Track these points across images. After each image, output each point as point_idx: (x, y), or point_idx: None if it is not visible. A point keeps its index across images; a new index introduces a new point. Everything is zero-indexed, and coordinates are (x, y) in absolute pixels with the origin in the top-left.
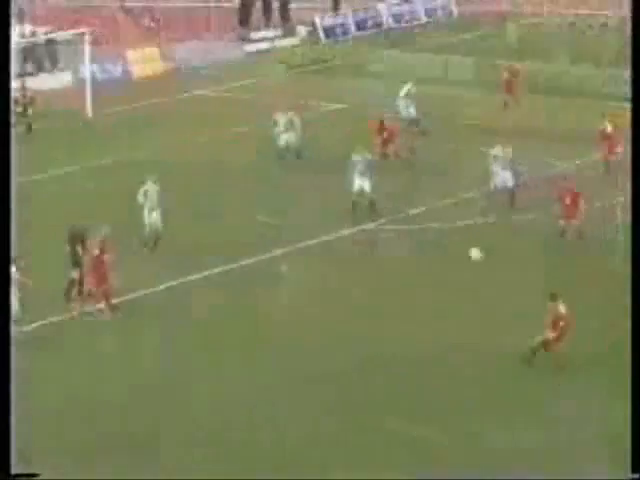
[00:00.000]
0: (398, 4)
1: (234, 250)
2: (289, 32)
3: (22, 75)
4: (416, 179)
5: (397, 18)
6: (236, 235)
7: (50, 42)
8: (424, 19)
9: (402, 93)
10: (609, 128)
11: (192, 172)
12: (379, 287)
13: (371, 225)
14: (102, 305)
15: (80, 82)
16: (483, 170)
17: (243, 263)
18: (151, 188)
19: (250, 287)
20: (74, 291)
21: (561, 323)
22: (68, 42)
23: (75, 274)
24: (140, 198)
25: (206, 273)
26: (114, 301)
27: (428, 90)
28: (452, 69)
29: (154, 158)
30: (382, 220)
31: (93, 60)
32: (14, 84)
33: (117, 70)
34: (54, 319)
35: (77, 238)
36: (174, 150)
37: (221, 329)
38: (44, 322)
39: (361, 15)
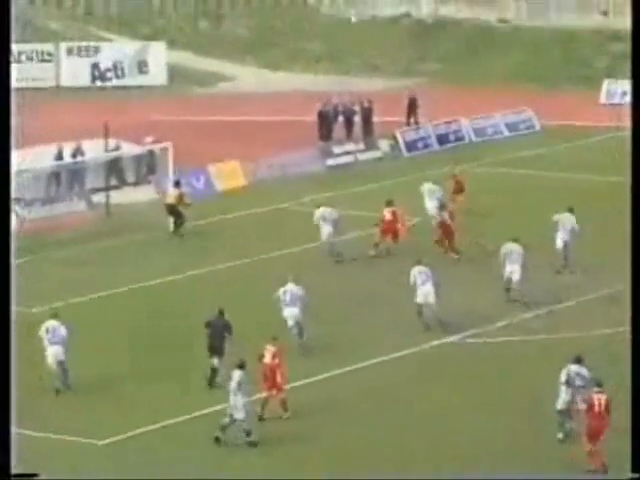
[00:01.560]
0: (479, 118)
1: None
2: (371, 146)
3: (107, 189)
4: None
5: (479, 132)
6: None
7: (134, 156)
8: (506, 133)
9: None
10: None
11: (275, 285)
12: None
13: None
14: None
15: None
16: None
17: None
18: (292, 287)
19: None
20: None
21: None
22: (151, 156)
23: (216, 362)
24: (281, 296)
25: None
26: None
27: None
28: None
29: (242, 270)
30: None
31: (176, 174)
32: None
33: (200, 183)
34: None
35: (219, 329)
36: (260, 262)
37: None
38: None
39: (443, 129)
